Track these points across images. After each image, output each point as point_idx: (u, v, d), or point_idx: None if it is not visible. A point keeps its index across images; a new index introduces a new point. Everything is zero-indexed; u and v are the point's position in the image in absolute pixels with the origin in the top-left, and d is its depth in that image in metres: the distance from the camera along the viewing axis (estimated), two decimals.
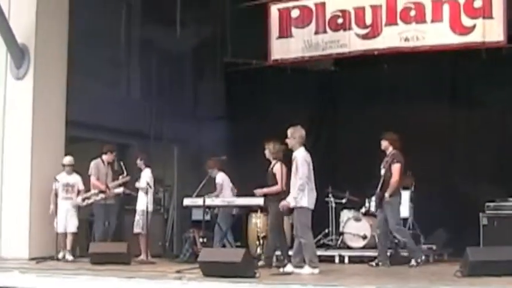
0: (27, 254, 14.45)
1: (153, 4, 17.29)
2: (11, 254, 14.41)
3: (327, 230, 14.80)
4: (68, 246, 14.44)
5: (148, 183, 14.24)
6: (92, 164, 14.88)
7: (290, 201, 11.48)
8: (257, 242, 14.13)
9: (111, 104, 16.75)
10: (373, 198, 13.75)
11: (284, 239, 13.01)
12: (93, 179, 14.80)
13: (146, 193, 14.19)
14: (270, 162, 13.12)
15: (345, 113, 16.85)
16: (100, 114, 16.23)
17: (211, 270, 10.71)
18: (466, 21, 14.73)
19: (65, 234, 14.48)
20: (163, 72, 18.12)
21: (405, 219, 14.17)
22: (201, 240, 14.75)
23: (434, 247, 14.07)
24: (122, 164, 14.82)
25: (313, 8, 16.02)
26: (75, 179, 14.82)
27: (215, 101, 18.26)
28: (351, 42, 15.60)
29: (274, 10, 16.42)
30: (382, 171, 12.88)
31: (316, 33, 15.93)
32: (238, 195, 14.67)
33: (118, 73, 17.42)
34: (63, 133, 15.50)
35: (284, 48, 16.23)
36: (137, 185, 14.47)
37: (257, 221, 14.04)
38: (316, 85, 17.19)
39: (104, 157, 14.89)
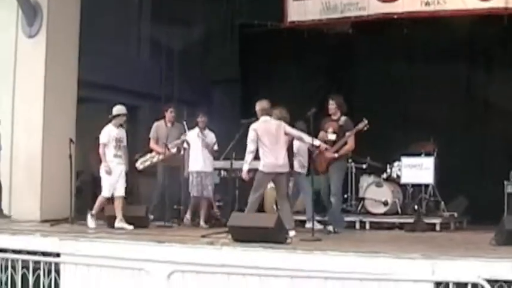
0: (38, 216, 14.22)
1: None
2: (23, 216, 14.08)
3: (346, 196, 14.60)
4: (120, 213, 12.87)
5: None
6: (153, 126, 14.24)
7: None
8: (275, 207, 14.00)
9: (121, 65, 16.46)
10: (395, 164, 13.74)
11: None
12: (151, 143, 14.14)
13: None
14: None
15: (362, 77, 16.65)
16: (109, 76, 15.96)
17: (242, 235, 10.47)
18: None
19: (110, 199, 13.09)
20: (174, 34, 17.74)
21: (426, 186, 13.98)
22: (217, 203, 14.56)
23: (455, 214, 13.90)
24: (184, 123, 13.95)
25: None
26: (123, 133, 13.30)
27: (228, 63, 17.96)
28: (370, 5, 15.27)
29: None
30: (332, 136, 12.54)
31: None
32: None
33: (129, 34, 17.08)
34: (76, 93, 15.19)
35: (301, 10, 15.89)
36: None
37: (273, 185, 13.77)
38: (333, 48, 16.92)
39: (166, 116, 14.18)
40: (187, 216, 13.80)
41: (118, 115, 13.16)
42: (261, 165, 11.88)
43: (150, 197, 14.24)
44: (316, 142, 12.07)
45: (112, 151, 13.01)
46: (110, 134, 13.03)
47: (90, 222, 13.05)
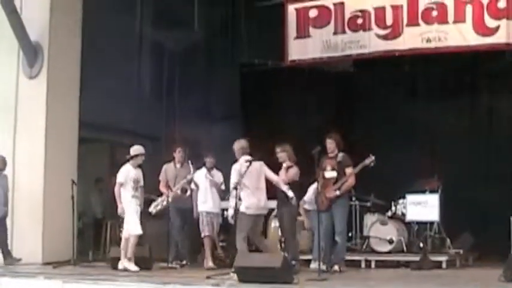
0: (40, 258, 14.11)
1: (167, 3, 16.87)
2: (24, 258, 13.91)
3: (350, 234, 14.47)
4: (131, 253, 12.61)
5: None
6: (163, 168, 13.99)
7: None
8: (279, 246, 13.90)
9: (122, 104, 16.38)
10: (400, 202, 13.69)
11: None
12: (160, 185, 13.89)
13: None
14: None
15: (364, 115, 16.59)
16: (111, 115, 15.87)
17: (248, 276, 10.39)
18: (490, 22, 14.43)
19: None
20: (175, 72, 17.73)
21: (431, 223, 13.90)
22: (220, 244, 14.42)
23: (461, 251, 13.78)
24: (190, 162, 13.81)
25: (332, 8, 15.65)
26: (141, 174, 13.05)
27: (229, 101, 17.93)
28: (371, 42, 15.26)
29: (291, 10, 16.03)
30: (331, 174, 12.38)
31: (335, 33, 15.55)
32: None
33: (129, 73, 16.99)
34: (77, 133, 15.14)
35: (302, 49, 15.87)
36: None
37: (277, 225, 13.70)
38: (334, 87, 16.95)
39: (175, 157, 13.93)
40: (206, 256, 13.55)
41: (136, 155, 12.95)
42: (243, 207, 11.79)
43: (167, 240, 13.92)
44: (290, 194, 12.13)
45: (130, 192, 12.78)
46: (128, 175, 12.83)
47: (131, 266, 12.53)
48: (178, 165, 13.93)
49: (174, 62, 17.66)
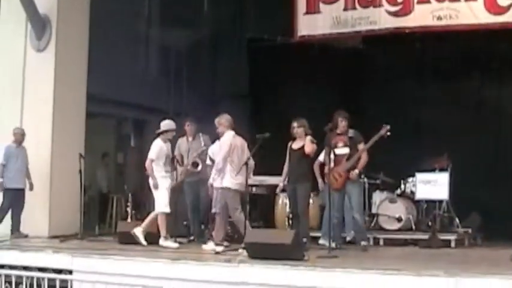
0: (46, 231, 14.08)
1: None
2: (30, 231, 13.93)
3: None
4: (164, 231, 12.38)
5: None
6: (177, 142, 13.62)
7: (210, 180, 12.17)
8: (287, 223, 13.86)
9: (130, 79, 16.32)
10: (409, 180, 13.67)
11: None
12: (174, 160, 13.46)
13: None
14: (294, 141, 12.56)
15: (373, 92, 16.47)
16: (118, 90, 15.82)
17: (258, 252, 10.33)
18: (502, 1, 14.30)
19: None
20: (183, 47, 17.61)
21: (440, 202, 13.84)
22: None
23: (469, 231, 13.73)
24: (200, 135, 13.51)
25: None
26: (170, 149, 12.89)
27: (237, 78, 17.81)
28: (381, 19, 15.10)
29: None
30: (343, 150, 12.21)
31: (345, 9, 15.41)
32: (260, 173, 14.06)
33: (137, 49, 16.90)
34: (84, 107, 15.07)
35: (311, 25, 15.72)
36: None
37: (286, 201, 13.64)
38: (343, 63, 16.77)
39: (186, 131, 13.57)
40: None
41: (166, 131, 12.75)
42: (232, 183, 11.89)
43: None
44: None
45: (163, 167, 12.60)
46: (161, 150, 12.64)
47: (171, 243, 12.34)
48: (190, 138, 13.59)
49: (182, 38, 17.51)
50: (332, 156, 12.04)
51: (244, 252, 10.68)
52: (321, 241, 12.54)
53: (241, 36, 17.47)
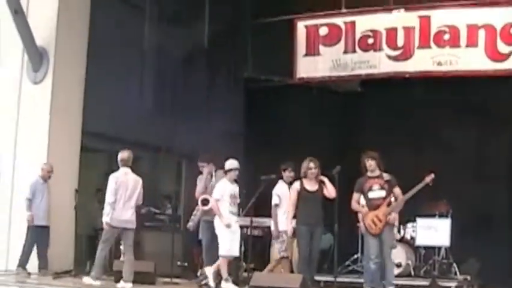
0: (37, 266, 13.69)
1: (173, 16, 16.66)
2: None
3: (356, 256, 14.28)
4: (225, 272, 11.71)
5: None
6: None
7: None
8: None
9: (123, 114, 16.08)
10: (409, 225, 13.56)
11: None
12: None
13: None
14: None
15: (370, 136, 16.35)
16: (111, 124, 15.58)
17: None
18: (502, 48, 14.49)
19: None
20: (179, 84, 17.44)
21: (439, 248, 13.75)
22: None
23: (468, 277, 13.62)
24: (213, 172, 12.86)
25: (343, 27, 15.64)
26: (237, 189, 12.13)
27: (233, 116, 17.64)
28: (381, 63, 15.26)
29: (301, 27, 16.00)
30: (379, 193, 11.47)
31: (345, 52, 15.56)
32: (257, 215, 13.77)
33: (132, 84, 16.67)
34: (79, 142, 14.84)
35: (311, 67, 15.81)
36: None
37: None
38: (341, 106, 16.77)
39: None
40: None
41: (230, 169, 12.11)
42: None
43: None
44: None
45: (227, 208, 11.90)
46: (225, 190, 12.02)
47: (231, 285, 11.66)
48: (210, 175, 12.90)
49: (178, 74, 17.34)
50: (363, 200, 11.57)
51: None
52: None
53: (237, 75, 17.35)
